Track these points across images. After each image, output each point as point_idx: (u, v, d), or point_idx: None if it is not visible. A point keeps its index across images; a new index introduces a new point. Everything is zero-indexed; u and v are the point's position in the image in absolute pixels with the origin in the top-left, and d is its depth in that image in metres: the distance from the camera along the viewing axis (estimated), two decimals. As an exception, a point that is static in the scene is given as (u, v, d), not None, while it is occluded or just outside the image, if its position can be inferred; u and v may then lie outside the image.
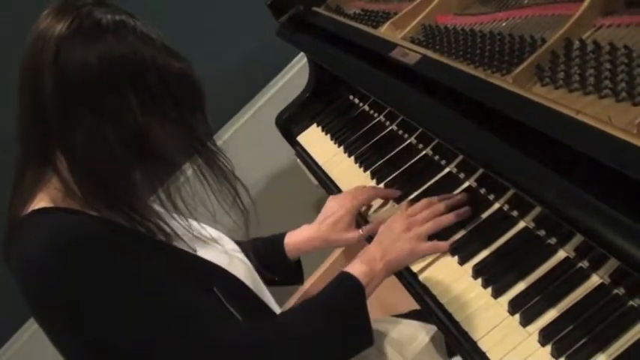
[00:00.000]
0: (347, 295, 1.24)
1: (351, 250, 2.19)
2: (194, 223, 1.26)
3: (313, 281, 2.83)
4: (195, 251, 1.18)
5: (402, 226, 1.34)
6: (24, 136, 1.12)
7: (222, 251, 1.26)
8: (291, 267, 1.55)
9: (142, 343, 1.05)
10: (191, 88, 1.12)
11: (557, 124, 1.03)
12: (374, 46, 1.63)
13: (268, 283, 1.36)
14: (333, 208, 1.52)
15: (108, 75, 1.04)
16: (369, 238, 1.49)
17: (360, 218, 1.56)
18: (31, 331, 2.51)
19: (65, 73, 1.03)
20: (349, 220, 1.50)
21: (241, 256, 1.32)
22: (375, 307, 1.88)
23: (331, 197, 1.57)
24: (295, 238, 1.53)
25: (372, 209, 1.58)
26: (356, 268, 1.27)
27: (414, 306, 1.43)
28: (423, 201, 1.40)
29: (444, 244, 1.33)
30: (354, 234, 1.50)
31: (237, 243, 1.36)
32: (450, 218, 1.36)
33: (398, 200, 1.55)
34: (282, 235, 1.54)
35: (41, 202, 1.10)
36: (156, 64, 1.07)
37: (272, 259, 1.48)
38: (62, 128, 1.05)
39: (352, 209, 1.51)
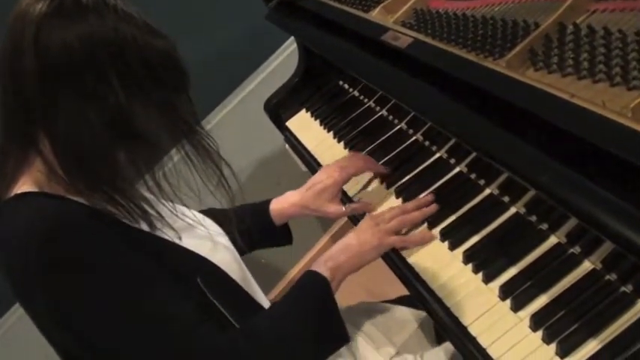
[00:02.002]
0: (314, 293, 1.23)
1: (339, 237, 2.17)
2: (179, 207, 1.24)
3: (300, 267, 2.83)
4: (180, 238, 1.17)
5: (370, 223, 1.34)
6: (6, 118, 1.09)
7: (207, 236, 1.24)
8: (277, 230, 1.55)
9: (112, 338, 1.04)
10: (174, 66, 1.10)
11: (551, 107, 1.02)
12: (365, 30, 1.62)
13: (257, 245, 1.35)
14: (322, 177, 1.53)
15: (89, 55, 1.02)
16: (355, 221, 1.49)
17: (345, 199, 1.56)
18: (17, 316, 2.49)
19: (46, 54, 1.01)
20: (335, 192, 1.51)
21: (225, 240, 1.31)
22: (363, 293, 1.88)
23: (322, 167, 1.57)
24: (280, 204, 1.54)
25: (359, 189, 1.58)
26: (321, 265, 1.26)
27: (403, 292, 1.43)
28: (391, 207, 1.41)
29: (413, 239, 1.33)
30: (337, 208, 1.50)
31: (221, 223, 1.35)
32: (415, 216, 1.36)
33: (388, 185, 1.54)
34: (267, 202, 1.55)
35: (24, 185, 1.08)
36: (137, 43, 1.05)
37: (258, 223, 1.49)
38: (44, 109, 1.03)
39: (340, 180, 1.51)
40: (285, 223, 1.56)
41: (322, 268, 1.24)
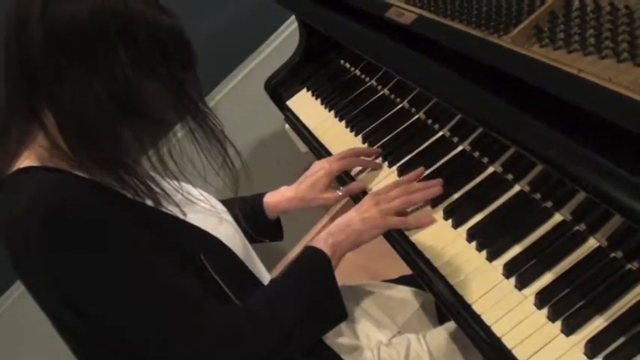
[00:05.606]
0: (314, 269, 1.22)
1: (339, 216, 2.16)
2: (185, 185, 1.23)
3: (301, 247, 2.82)
4: (185, 214, 1.16)
5: (371, 202, 1.32)
6: (9, 91, 1.08)
7: (212, 212, 1.23)
8: (271, 225, 1.55)
9: (117, 313, 1.03)
10: (181, 44, 1.10)
11: (559, 81, 1.01)
12: (368, 7, 1.60)
13: (250, 240, 1.35)
14: (314, 169, 1.54)
15: (97, 28, 1.01)
16: (356, 199, 1.49)
17: (347, 177, 1.55)
18: (19, 292, 2.49)
19: (54, 25, 1.00)
20: (327, 182, 1.51)
21: (229, 218, 1.30)
22: (364, 273, 1.88)
23: (315, 162, 1.57)
24: (275, 198, 1.54)
25: (358, 169, 1.57)
26: (321, 241, 1.25)
27: (404, 272, 1.42)
28: (393, 182, 1.39)
29: (413, 221, 1.31)
30: (332, 194, 1.51)
31: (224, 204, 1.34)
32: (419, 197, 1.34)
33: (390, 164, 1.53)
34: (261, 195, 1.55)
35: (27, 160, 1.07)
36: (146, 19, 1.04)
37: (252, 217, 1.48)
38: (49, 82, 1.02)
39: (331, 171, 1.52)
40: (277, 218, 1.56)
41: (322, 244, 1.24)
